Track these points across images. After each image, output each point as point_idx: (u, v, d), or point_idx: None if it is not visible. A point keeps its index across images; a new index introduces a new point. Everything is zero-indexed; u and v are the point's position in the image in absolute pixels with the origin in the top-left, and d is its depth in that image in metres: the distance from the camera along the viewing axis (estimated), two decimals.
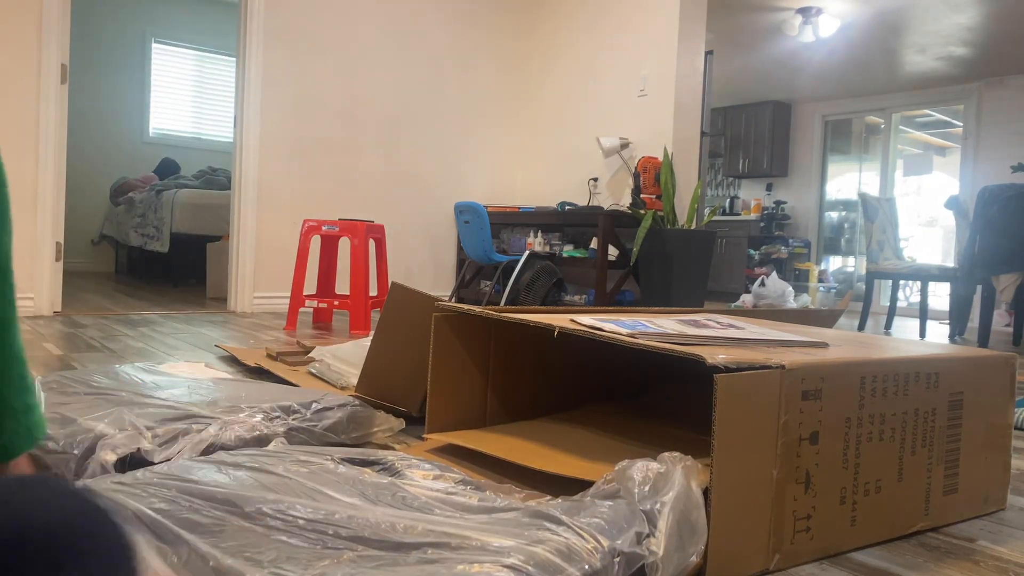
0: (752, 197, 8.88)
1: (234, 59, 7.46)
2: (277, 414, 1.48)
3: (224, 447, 1.34)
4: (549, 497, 1.06)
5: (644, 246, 4.10)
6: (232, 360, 2.57)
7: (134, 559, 0.46)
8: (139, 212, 6.11)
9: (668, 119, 4.44)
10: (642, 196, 4.36)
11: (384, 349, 1.77)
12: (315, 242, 4.48)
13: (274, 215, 4.37)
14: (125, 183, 6.67)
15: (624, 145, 4.62)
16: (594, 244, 4.46)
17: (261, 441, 1.39)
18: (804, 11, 5.66)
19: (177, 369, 1.95)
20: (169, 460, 1.26)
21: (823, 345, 1.24)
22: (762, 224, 8.44)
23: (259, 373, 2.30)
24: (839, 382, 1.07)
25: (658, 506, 0.91)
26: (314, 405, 1.54)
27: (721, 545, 0.96)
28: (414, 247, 5.03)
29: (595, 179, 4.95)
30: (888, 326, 5.30)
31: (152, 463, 1.24)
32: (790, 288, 5.16)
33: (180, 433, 1.33)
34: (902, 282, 7.56)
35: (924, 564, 1.08)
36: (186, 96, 7.53)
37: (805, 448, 1.04)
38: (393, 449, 1.50)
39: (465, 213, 4.28)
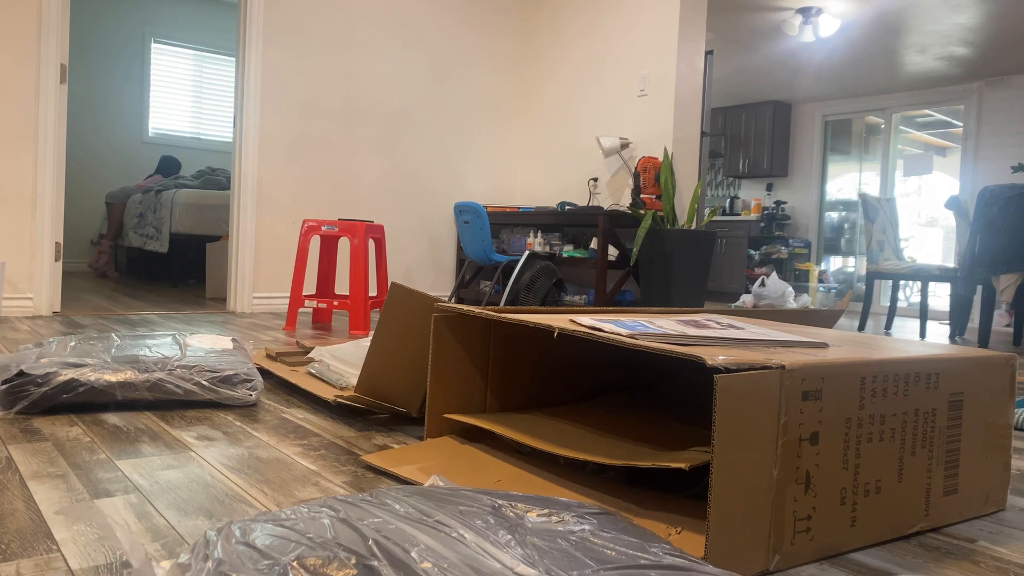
0: (752, 197, 8.88)
1: (233, 59, 7.48)
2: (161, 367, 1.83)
3: (94, 387, 1.73)
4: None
5: (644, 246, 4.10)
6: None
7: None
8: (138, 212, 6.10)
9: (668, 119, 4.44)
10: (642, 196, 4.36)
11: (384, 349, 1.77)
12: (315, 242, 4.48)
13: (274, 215, 4.36)
14: (126, 189, 6.59)
15: (624, 145, 4.62)
16: (594, 244, 4.46)
17: (126, 386, 1.75)
18: (804, 11, 5.66)
19: (197, 339, 2.18)
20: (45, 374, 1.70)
21: (823, 345, 1.24)
22: (762, 224, 8.44)
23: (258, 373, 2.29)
24: (839, 382, 1.07)
25: None
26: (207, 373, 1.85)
27: (721, 545, 0.96)
28: (414, 247, 5.02)
29: (595, 179, 4.95)
30: (888, 326, 5.30)
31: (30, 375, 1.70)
32: (790, 288, 5.16)
33: (67, 367, 1.74)
34: (902, 282, 7.56)
35: (924, 565, 1.08)
36: (185, 96, 7.53)
37: (805, 448, 1.04)
38: (393, 449, 1.50)
39: (465, 213, 4.28)
